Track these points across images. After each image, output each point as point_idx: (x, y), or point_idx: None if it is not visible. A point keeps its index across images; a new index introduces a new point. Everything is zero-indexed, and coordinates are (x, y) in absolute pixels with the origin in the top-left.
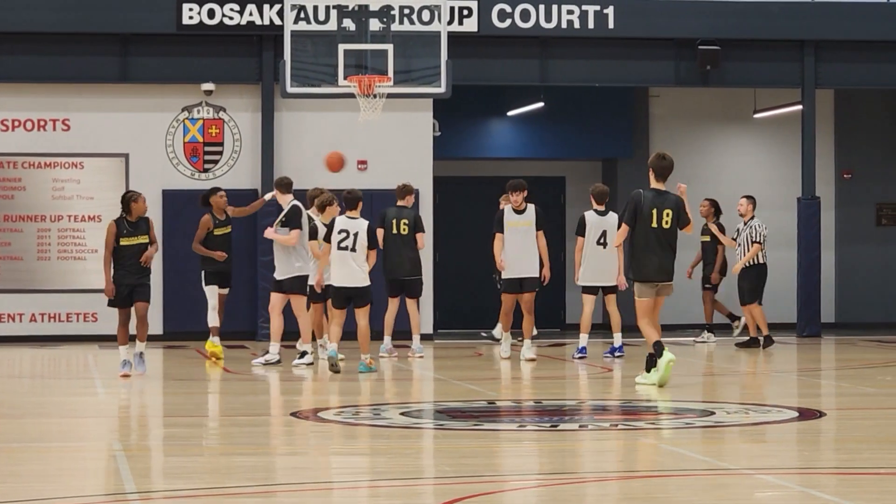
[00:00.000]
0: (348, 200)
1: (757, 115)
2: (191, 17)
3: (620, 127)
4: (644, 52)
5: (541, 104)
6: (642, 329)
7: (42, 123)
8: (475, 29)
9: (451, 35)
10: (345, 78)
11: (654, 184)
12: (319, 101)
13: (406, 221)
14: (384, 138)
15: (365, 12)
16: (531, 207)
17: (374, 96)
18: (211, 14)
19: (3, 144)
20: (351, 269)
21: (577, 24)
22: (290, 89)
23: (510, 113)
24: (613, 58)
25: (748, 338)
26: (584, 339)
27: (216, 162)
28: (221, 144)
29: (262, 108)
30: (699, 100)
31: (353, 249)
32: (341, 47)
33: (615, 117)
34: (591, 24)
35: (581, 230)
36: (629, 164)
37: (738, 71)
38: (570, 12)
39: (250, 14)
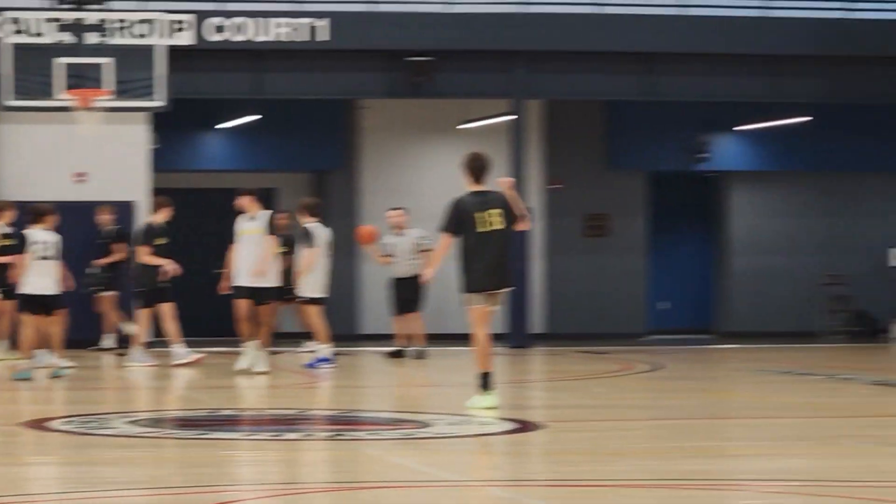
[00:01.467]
0: (36, 214)
1: (464, 126)
2: None
3: (331, 139)
4: (358, 65)
5: (258, 116)
6: (479, 345)
7: None
8: (192, 42)
9: (168, 48)
10: (64, 91)
11: (472, 186)
12: (39, 114)
13: None
14: (103, 150)
15: (82, 26)
16: (264, 214)
17: (94, 109)
18: None
19: None
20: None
21: (291, 37)
22: (9, 102)
23: (225, 125)
24: (327, 70)
25: (397, 348)
26: (326, 348)
27: None
28: None
29: None
30: (410, 111)
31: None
32: (60, 60)
33: (327, 129)
34: (305, 37)
35: (312, 241)
36: (340, 176)
37: (450, 82)
38: (284, 25)
39: None
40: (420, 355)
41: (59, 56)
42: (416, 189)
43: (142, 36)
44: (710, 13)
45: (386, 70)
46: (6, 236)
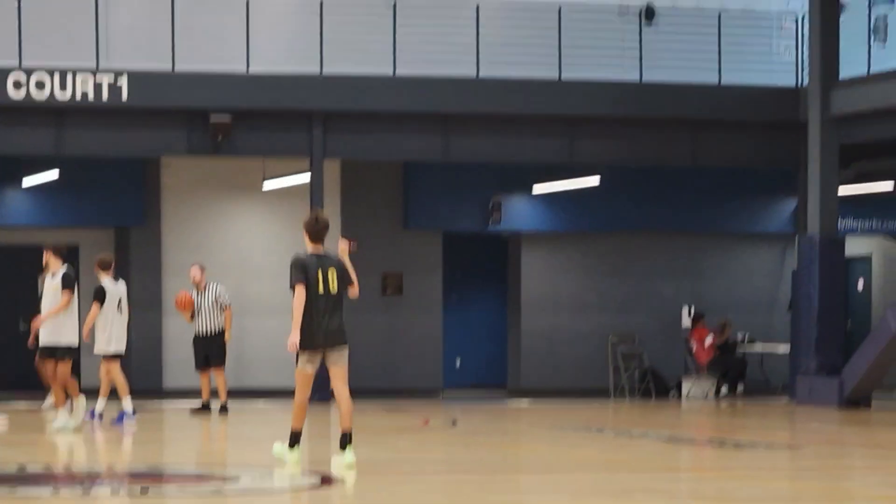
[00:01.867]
0: None
1: (266, 186)
2: None
3: (133, 195)
4: (157, 122)
5: (56, 172)
6: (297, 405)
7: None
8: None
9: None
10: None
11: (311, 248)
12: None
13: None
14: None
15: None
16: (62, 270)
17: None
18: None
19: None
20: None
21: (91, 96)
22: None
23: (25, 182)
24: (128, 128)
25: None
26: (127, 403)
27: None
28: None
29: None
30: (211, 169)
31: None
32: None
33: (129, 186)
34: (105, 96)
35: (101, 297)
36: (141, 233)
37: (250, 141)
38: (84, 83)
39: None
40: (224, 410)
41: None
42: (218, 246)
43: None
44: (506, 75)
45: (186, 128)
46: None
